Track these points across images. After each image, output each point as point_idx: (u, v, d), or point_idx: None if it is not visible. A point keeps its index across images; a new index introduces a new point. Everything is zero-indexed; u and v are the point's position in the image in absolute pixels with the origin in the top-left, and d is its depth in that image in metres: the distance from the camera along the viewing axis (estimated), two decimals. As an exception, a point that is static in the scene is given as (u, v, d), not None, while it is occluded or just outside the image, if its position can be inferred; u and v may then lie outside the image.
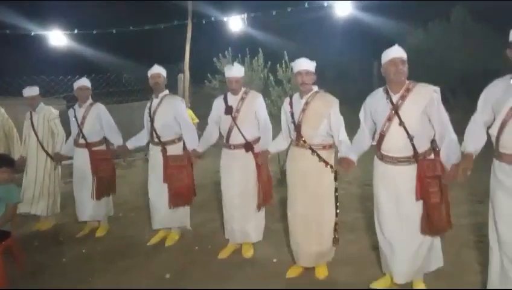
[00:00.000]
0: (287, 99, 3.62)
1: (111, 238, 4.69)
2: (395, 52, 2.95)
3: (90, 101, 4.74)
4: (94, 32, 7.45)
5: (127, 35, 7.69)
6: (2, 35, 6.77)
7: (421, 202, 2.93)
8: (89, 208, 4.70)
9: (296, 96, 3.54)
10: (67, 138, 4.97)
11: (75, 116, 4.66)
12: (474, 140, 2.77)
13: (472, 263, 3.53)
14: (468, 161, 2.69)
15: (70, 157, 4.90)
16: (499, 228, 2.66)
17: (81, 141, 4.65)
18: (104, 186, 4.69)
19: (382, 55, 3.01)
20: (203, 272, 3.77)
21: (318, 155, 3.38)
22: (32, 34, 7.12)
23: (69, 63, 8.57)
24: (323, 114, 3.36)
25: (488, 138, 2.77)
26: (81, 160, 4.66)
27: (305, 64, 3.38)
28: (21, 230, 4.91)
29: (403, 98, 2.93)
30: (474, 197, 4.86)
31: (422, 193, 2.89)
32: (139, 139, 4.51)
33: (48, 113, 5.00)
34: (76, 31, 7.42)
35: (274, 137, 3.92)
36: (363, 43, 12.27)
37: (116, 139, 4.64)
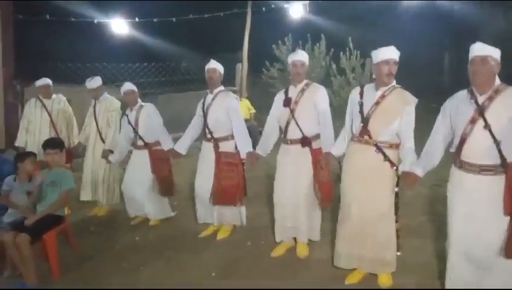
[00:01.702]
0: (357, 89, 3.28)
1: (164, 227, 4.64)
2: (481, 50, 2.60)
3: (140, 103, 4.72)
4: (154, 20, 7.47)
5: (186, 23, 7.65)
6: (66, 23, 6.96)
7: (504, 221, 2.53)
8: (150, 206, 4.67)
9: (369, 86, 3.19)
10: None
11: (129, 121, 4.65)
12: None
13: None
14: None
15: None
16: None
17: (140, 142, 4.65)
18: (165, 186, 4.66)
19: (470, 49, 2.65)
20: (252, 269, 3.58)
21: (383, 154, 3.03)
22: (96, 21, 7.27)
23: (130, 51, 8.70)
24: (398, 111, 3.00)
25: None
26: (141, 160, 4.65)
27: (393, 53, 3.03)
28: (78, 215, 4.99)
29: (490, 99, 2.56)
30: None
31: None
32: (185, 141, 4.40)
33: (109, 104, 5.07)
34: (137, 19, 7.50)
35: (335, 131, 3.61)
36: (436, 33, 11.39)
37: (165, 141, 4.58)
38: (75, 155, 5.61)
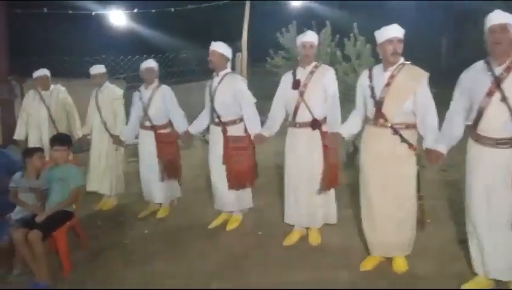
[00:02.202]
0: (366, 72, 3.22)
1: (172, 219, 4.61)
2: (498, 18, 2.54)
3: (156, 83, 4.61)
4: (153, 10, 7.37)
5: (185, 14, 7.55)
6: (64, 16, 6.85)
7: None
8: (157, 190, 4.64)
9: (377, 68, 3.13)
10: (126, 122, 4.92)
11: (141, 98, 4.55)
12: None
13: None
14: None
15: (130, 143, 4.86)
16: None
17: (147, 123, 4.56)
18: (170, 169, 4.59)
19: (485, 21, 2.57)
20: (267, 258, 3.56)
21: (401, 135, 2.98)
22: (93, 13, 7.16)
23: (128, 43, 8.63)
24: (410, 89, 2.94)
25: None
26: (147, 142, 4.58)
27: (397, 31, 2.97)
28: (84, 209, 4.94)
29: (508, 70, 2.50)
30: None
31: None
32: (201, 123, 4.35)
33: (111, 93, 4.99)
34: (135, 10, 7.40)
35: (341, 116, 3.58)
36: (435, 18, 11.35)
37: (181, 125, 4.50)
38: (79, 149, 5.54)
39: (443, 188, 4.68)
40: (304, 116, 3.56)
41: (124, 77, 6.85)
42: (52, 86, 5.23)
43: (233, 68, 8.51)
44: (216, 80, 4.07)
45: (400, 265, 3.16)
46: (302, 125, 3.59)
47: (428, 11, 11.51)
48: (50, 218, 3.54)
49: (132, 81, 6.85)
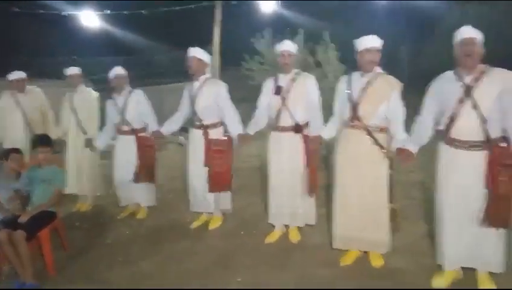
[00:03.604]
0: (344, 77, 3.46)
1: (152, 220, 4.66)
2: (468, 33, 2.81)
3: (129, 88, 4.67)
4: (125, 12, 7.34)
5: (158, 16, 7.56)
6: (35, 15, 6.69)
7: (486, 192, 2.80)
8: (137, 193, 4.69)
9: (356, 74, 3.37)
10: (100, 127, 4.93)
11: (116, 105, 4.59)
12: None
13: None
14: None
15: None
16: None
17: (125, 128, 4.60)
18: (146, 173, 4.63)
19: (455, 34, 2.86)
20: (252, 256, 3.71)
21: (374, 137, 3.24)
22: (64, 14, 7.04)
23: (102, 44, 8.49)
24: (385, 95, 3.20)
25: None
26: (127, 146, 4.61)
27: (374, 42, 3.21)
28: (61, 211, 4.89)
29: (477, 80, 2.78)
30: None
31: (492, 180, 2.75)
32: (173, 124, 4.43)
33: (87, 95, 4.99)
34: (107, 12, 7.33)
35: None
36: (399, 28, 11.94)
37: (151, 125, 4.58)
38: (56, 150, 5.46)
39: (411, 188, 5.01)
40: (286, 120, 3.74)
41: (97, 78, 6.78)
42: (27, 88, 5.14)
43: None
44: (196, 84, 4.17)
45: (377, 260, 3.40)
46: (285, 129, 3.76)
47: (391, 21, 12.10)
48: (33, 219, 3.54)
49: (105, 82, 6.77)
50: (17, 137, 4.98)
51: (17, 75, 5.07)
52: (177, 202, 5.14)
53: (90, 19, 7.35)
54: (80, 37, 7.90)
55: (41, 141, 3.90)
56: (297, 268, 3.46)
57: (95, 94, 5.07)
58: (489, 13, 11.14)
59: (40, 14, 6.64)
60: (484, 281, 2.96)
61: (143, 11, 7.52)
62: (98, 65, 6.81)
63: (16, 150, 4.01)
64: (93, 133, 4.92)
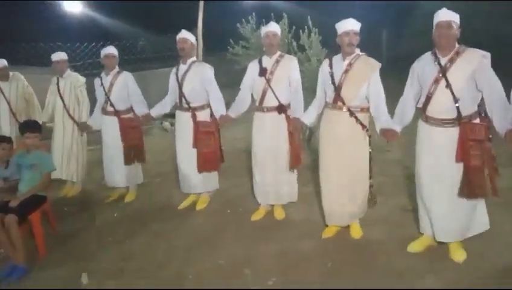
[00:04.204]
0: (327, 61, 3.59)
1: (140, 203, 4.77)
2: (446, 15, 2.95)
3: (117, 69, 4.71)
4: (107, -2, 7.31)
5: (140, 1, 7.52)
6: (16, 1, 6.62)
7: (461, 165, 2.97)
8: (121, 174, 4.75)
9: (337, 57, 3.51)
10: (91, 108, 4.99)
11: (102, 84, 4.64)
12: None
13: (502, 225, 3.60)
14: None
15: (97, 129, 4.91)
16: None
17: (110, 108, 4.65)
18: (133, 154, 4.70)
19: (435, 16, 3.00)
20: (238, 232, 3.87)
21: (356, 117, 3.40)
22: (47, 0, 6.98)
23: (84, 30, 8.42)
24: (365, 76, 3.35)
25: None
26: (111, 128, 4.67)
27: (353, 25, 3.34)
28: (49, 196, 4.96)
29: (451, 60, 2.94)
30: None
31: (462, 154, 2.93)
32: (163, 107, 4.52)
33: (75, 80, 5.01)
34: (90, -2, 7.30)
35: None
36: (375, 11, 12.12)
37: (141, 108, 4.63)
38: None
39: (388, 166, 5.21)
40: (270, 101, 3.86)
41: (82, 64, 6.79)
42: (10, 74, 5.15)
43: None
44: (183, 67, 4.25)
45: (356, 232, 3.60)
46: (269, 109, 3.89)
47: (371, 5, 12.25)
48: (24, 203, 3.62)
49: (89, 68, 6.80)
50: (2, 125, 5.01)
51: None
52: (164, 185, 5.26)
53: (72, 5, 7.31)
54: (62, 23, 7.86)
55: (29, 126, 3.95)
56: (281, 241, 3.64)
57: (82, 79, 5.10)
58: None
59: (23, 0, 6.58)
60: (454, 249, 3.17)
61: (125, -3, 7.49)
62: (83, 51, 6.81)
63: (7, 139, 4.03)
64: (84, 117, 4.97)
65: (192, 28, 8.42)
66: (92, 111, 4.99)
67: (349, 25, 3.34)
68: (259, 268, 3.27)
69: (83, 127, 4.90)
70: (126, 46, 6.75)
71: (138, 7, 8.32)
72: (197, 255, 3.54)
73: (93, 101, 4.95)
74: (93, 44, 6.72)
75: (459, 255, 3.12)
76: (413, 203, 3.72)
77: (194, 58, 4.33)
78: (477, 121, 2.98)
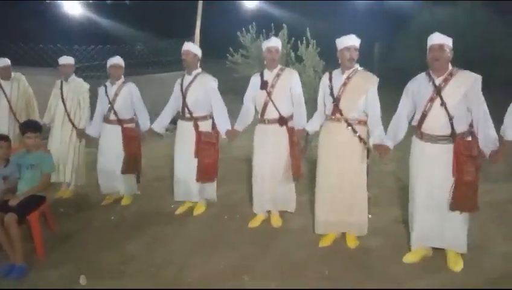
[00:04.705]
0: (327, 74, 3.71)
1: (137, 207, 4.79)
2: (439, 39, 3.11)
3: (122, 79, 4.76)
4: (108, 1, 7.35)
5: (140, 6, 7.58)
6: (17, 2, 6.62)
7: (452, 180, 3.10)
8: (118, 182, 4.78)
9: (337, 71, 3.63)
10: (91, 115, 5.01)
11: (107, 93, 4.69)
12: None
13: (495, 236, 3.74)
14: (507, 146, 2.98)
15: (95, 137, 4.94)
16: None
17: (113, 117, 4.69)
18: (133, 163, 4.75)
19: (428, 39, 3.15)
20: (236, 239, 3.92)
21: (353, 129, 3.50)
22: (47, 1, 6.99)
23: (84, 33, 8.40)
24: (363, 90, 3.47)
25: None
26: (112, 136, 4.70)
27: (354, 41, 3.47)
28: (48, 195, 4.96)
29: (445, 81, 3.09)
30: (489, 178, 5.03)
31: (458, 169, 3.06)
32: (164, 120, 4.59)
33: (79, 86, 5.05)
34: (90, 0, 7.32)
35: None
36: (369, 24, 12.38)
37: (144, 122, 4.70)
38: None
39: (384, 178, 5.31)
40: (271, 113, 3.96)
41: (79, 67, 6.79)
42: (12, 75, 5.16)
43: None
44: (188, 78, 4.34)
45: (352, 241, 3.68)
46: (270, 121, 3.98)
47: (366, 19, 12.52)
48: (23, 202, 3.62)
49: (87, 71, 6.81)
50: (2, 124, 5.01)
51: (1, 62, 5.09)
52: (161, 190, 5.28)
53: (73, 7, 7.33)
54: (62, 25, 7.85)
55: (30, 126, 3.96)
56: (277, 249, 3.70)
57: (86, 86, 5.12)
58: (454, 14, 11.69)
59: (23, 0, 6.59)
60: (452, 258, 3.27)
61: (126, 1, 7.54)
62: (81, 54, 6.83)
63: (5, 138, 4.03)
64: (84, 124, 4.99)
65: (190, 35, 8.54)
66: (90, 117, 5.02)
67: (350, 41, 3.48)
68: (258, 275, 3.32)
69: (80, 135, 4.94)
70: (125, 50, 6.77)
71: (138, 11, 8.35)
72: (195, 259, 3.58)
73: (93, 106, 4.97)
74: (92, 47, 6.73)
75: (457, 265, 3.23)
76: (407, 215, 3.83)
77: (199, 70, 4.40)
78: (470, 138, 3.12)
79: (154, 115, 4.82)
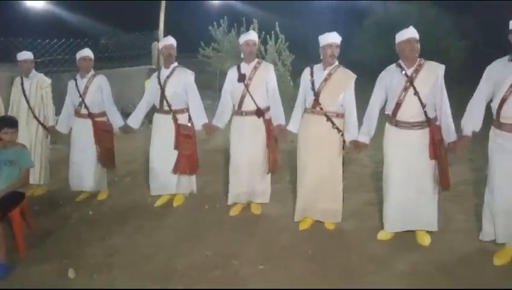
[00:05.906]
0: (308, 69, 3.89)
1: (114, 201, 4.79)
2: (411, 33, 3.38)
3: (92, 72, 4.71)
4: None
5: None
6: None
7: (432, 161, 3.42)
8: (90, 178, 4.73)
9: (318, 66, 3.82)
10: (56, 108, 4.93)
11: (77, 87, 4.63)
12: (473, 122, 3.27)
13: (455, 214, 4.11)
14: (465, 141, 3.27)
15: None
16: (497, 184, 3.18)
17: (84, 111, 4.64)
18: (107, 157, 4.73)
19: (397, 35, 3.44)
20: (219, 227, 4.05)
21: (332, 122, 3.73)
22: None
23: (46, 26, 8.09)
24: (342, 86, 3.70)
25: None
26: (83, 130, 4.66)
27: (335, 38, 3.69)
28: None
29: (416, 71, 3.37)
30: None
31: (435, 152, 3.37)
32: (138, 114, 4.59)
33: (41, 81, 4.91)
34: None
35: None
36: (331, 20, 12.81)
37: (116, 119, 4.67)
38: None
39: (352, 165, 5.61)
40: (249, 105, 4.09)
41: (42, 61, 6.58)
42: (32, 71, 4.94)
43: (150, 56, 8.66)
44: (165, 71, 4.40)
45: (330, 224, 3.92)
46: (248, 113, 4.11)
47: (328, 15, 12.93)
48: (4, 199, 3.56)
49: (50, 66, 6.63)
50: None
51: (25, 55, 4.86)
52: (135, 183, 5.30)
53: (36, 1, 7.04)
54: (25, 19, 7.51)
55: (7, 122, 3.88)
56: (260, 234, 3.87)
57: (48, 80, 4.99)
58: (409, 11, 12.32)
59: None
60: (421, 236, 3.59)
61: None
62: (44, 48, 6.61)
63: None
64: (51, 120, 4.90)
65: (155, 28, 8.48)
66: (57, 112, 4.93)
67: (331, 38, 3.69)
68: (245, 258, 3.47)
69: (51, 131, 4.86)
70: (88, 45, 6.61)
71: (102, 5, 8.14)
72: (182, 248, 3.67)
73: (55, 101, 4.90)
74: (55, 41, 6.57)
75: (425, 240, 3.55)
76: (378, 198, 4.13)
77: (176, 64, 4.46)
78: (438, 123, 3.43)
79: (118, 110, 4.85)
